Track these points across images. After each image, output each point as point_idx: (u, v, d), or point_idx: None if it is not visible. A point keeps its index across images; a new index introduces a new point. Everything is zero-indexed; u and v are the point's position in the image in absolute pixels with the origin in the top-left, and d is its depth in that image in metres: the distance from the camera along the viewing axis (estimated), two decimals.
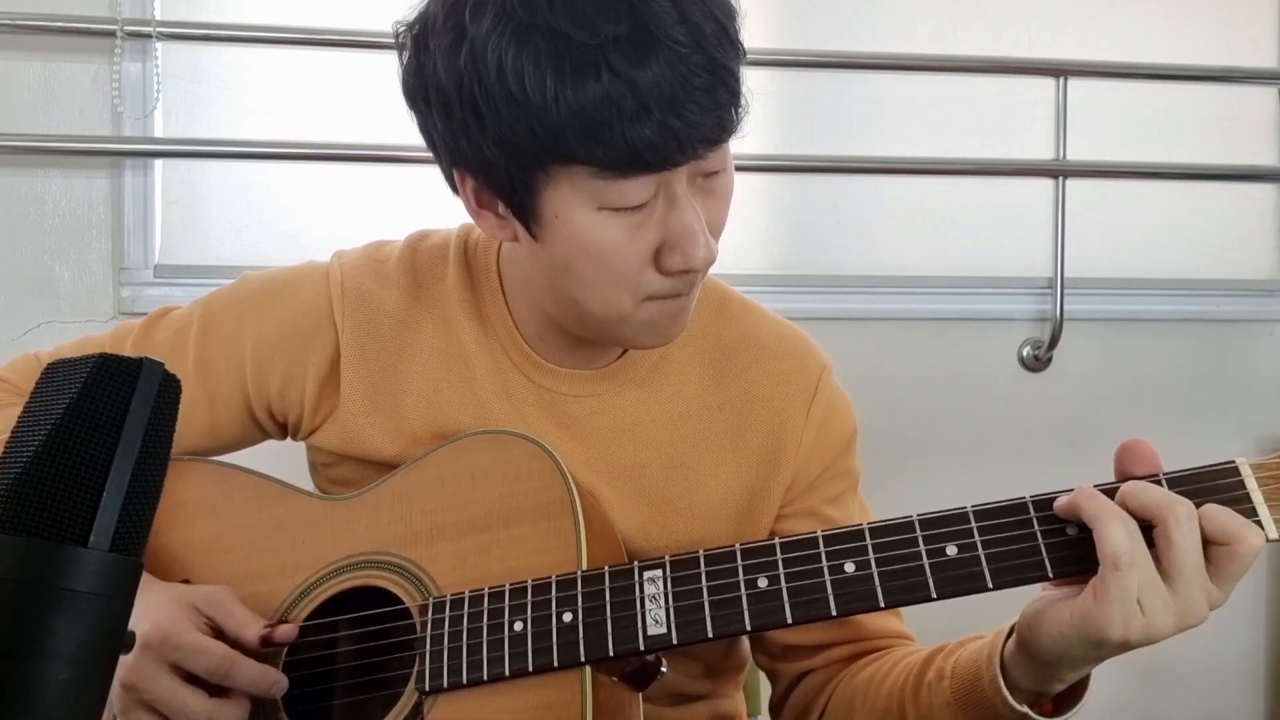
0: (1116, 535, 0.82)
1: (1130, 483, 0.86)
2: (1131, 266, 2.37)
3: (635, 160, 0.89)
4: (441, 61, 0.92)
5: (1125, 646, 0.84)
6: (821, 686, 1.12)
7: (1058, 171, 2.30)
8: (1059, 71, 2.27)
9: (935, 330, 2.30)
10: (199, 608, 1.00)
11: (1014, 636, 0.91)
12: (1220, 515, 0.83)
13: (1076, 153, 2.30)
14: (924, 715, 0.98)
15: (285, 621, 1.03)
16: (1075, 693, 0.92)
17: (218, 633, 1.00)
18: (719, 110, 0.90)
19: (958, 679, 0.96)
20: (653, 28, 0.87)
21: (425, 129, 0.99)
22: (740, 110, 0.92)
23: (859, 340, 2.23)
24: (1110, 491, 0.86)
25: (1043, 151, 2.32)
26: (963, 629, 1.03)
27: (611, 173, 0.90)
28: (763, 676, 1.28)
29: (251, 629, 1.00)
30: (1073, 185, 2.30)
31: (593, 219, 0.93)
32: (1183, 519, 0.82)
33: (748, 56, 0.94)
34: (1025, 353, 2.33)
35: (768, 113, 2.23)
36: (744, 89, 0.92)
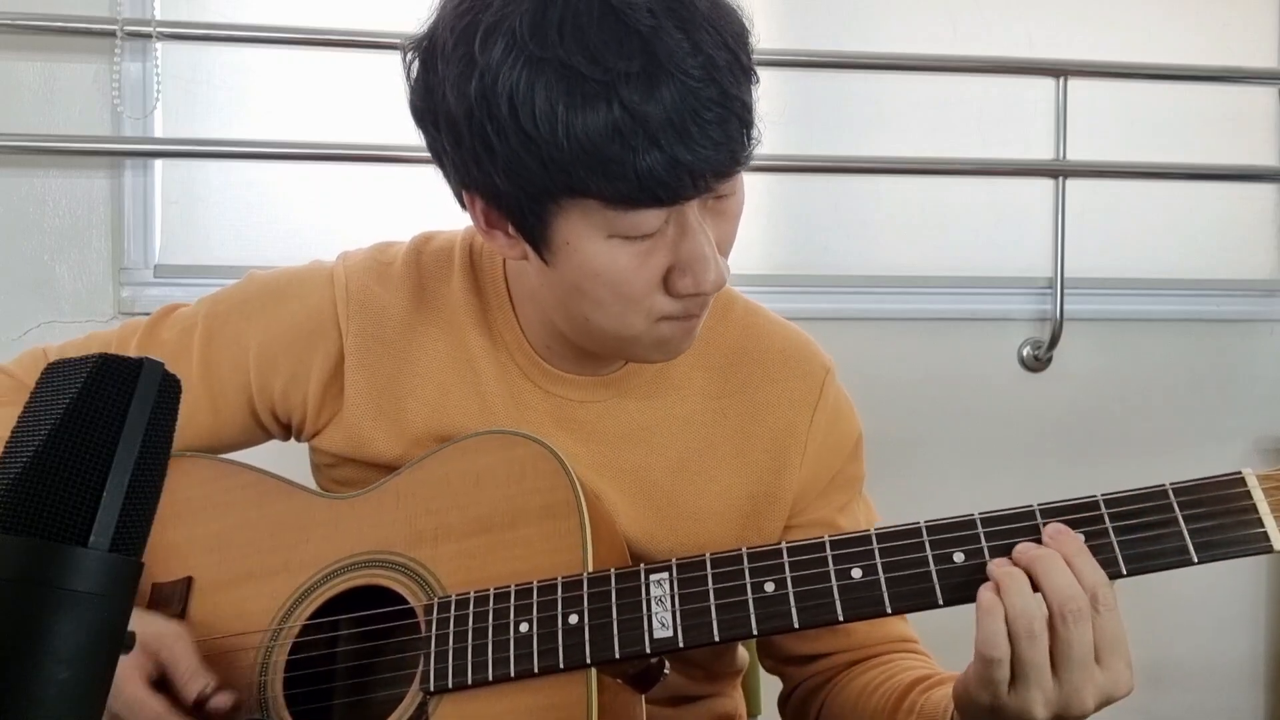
0: (989, 630, 0.84)
1: (1044, 557, 0.85)
2: (1131, 266, 2.38)
3: (646, 194, 0.88)
4: (451, 90, 0.91)
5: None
6: (819, 688, 1.13)
7: (1058, 171, 2.30)
8: (1059, 71, 2.27)
9: (935, 330, 2.30)
10: (149, 649, 0.98)
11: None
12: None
13: (1076, 153, 2.30)
14: None
15: (224, 686, 1.00)
16: None
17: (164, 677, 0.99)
18: (730, 143, 0.89)
19: (924, 718, 0.98)
20: (664, 60, 0.85)
21: (434, 149, 0.99)
22: (751, 140, 0.91)
23: (859, 340, 2.23)
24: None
25: (1043, 151, 2.32)
26: (968, 632, 1.03)
27: (622, 205, 0.89)
28: (763, 677, 1.28)
29: (192, 687, 0.98)
30: (1073, 185, 2.30)
31: (603, 247, 0.93)
32: (1070, 618, 0.83)
33: (758, 85, 0.93)
34: (1025, 353, 2.33)
35: (768, 113, 2.23)
36: (756, 115, 0.91)
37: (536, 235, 0.95)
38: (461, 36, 0.90)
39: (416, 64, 0.96)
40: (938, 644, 1.13)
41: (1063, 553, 0.85)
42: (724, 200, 0.96)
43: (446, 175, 1.00)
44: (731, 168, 0.91)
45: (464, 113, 0.90)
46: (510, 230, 0.98)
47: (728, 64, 0.88)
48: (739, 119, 0.89)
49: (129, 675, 0.96)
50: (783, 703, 1.19)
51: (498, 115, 0.88)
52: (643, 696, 0.97)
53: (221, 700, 0.99)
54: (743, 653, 1.24)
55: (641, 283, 0.94)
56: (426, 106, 0.96)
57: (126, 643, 0.63)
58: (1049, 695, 0.84)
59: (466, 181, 0.96)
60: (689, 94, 0.86)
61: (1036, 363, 2.33)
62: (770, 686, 1.26)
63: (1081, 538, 0.86)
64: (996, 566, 0.86)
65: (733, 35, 0.90)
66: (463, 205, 1.02)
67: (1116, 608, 0.84)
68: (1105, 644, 0.84)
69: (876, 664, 1.09)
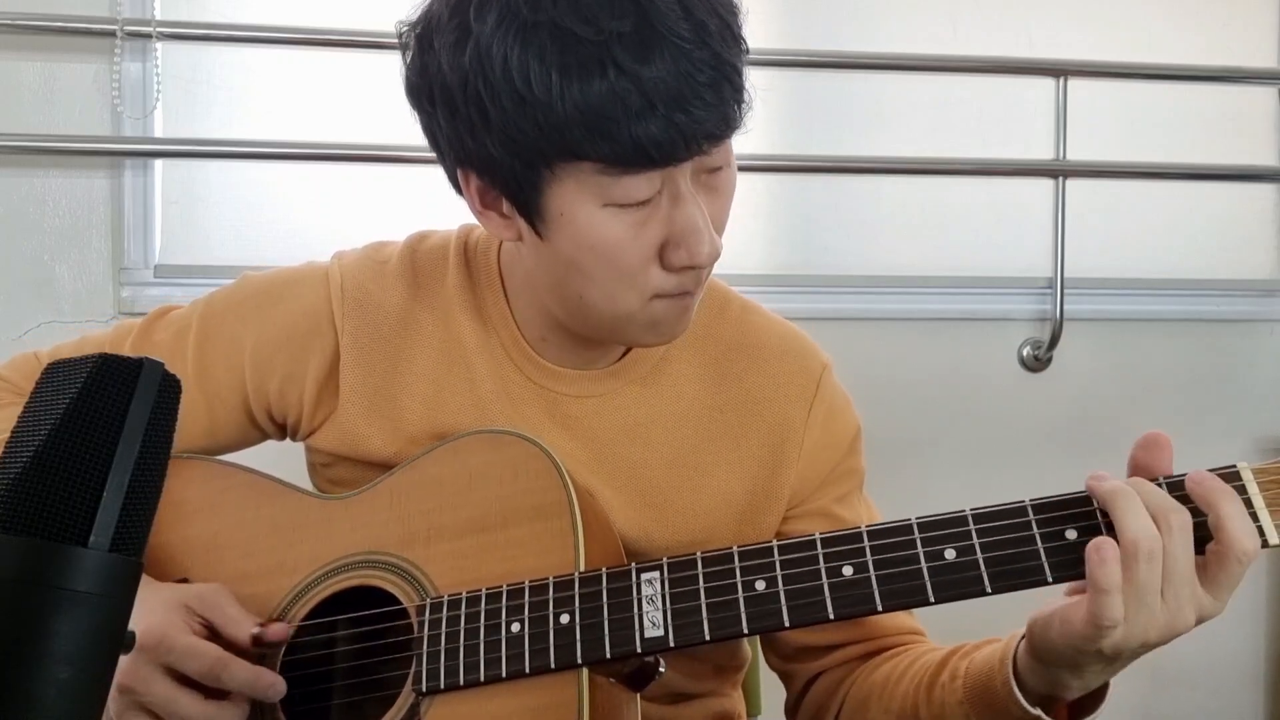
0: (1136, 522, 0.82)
1: (1134, 479, 0.86)
2: (1131, 266, 2.38)
3: (641, 156, 0.89)
4: (446, 60, 0.92)
5: (1112, 654, 0.84)
6: (836, 686, 1.11)
7: (1058, 171, 2.30)
8: (1059, 71, 2.27)
9: (935, 330, 2.30)
10: (192, 607, 1.00)
11: (1026, 639, 0.91)
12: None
13: (1076, 153, 2.30)
14: (936, 714, 0.98)
15: (274, 619, 1.03)
16: (1092, 701, 0.92)
17: (213, 632, 1.00)
18: (724, 106, 0.90)
19: (970, 678, 0.96)
20: (657, 24, 0.87)
21: (429, 128, 0.99)
22: (744, 106, 0.93)
23: (859, 340, 2.23)
24: None
25: (1043, 151, 2.32)
26: (966, 626, 1.03)
27: (617, 169, 0.90)
28: (763, 676, 1.28)
29: (244, 627, 1.00)
30: (1073, 185, 2.30)
31: (598, 216, 0.93)
32: (1175, 527, 0.82)
33: (748, 55, 0.94)
34: (1025, 353, 2.33)
35: (768, 113, 2.23)
36: (747, 84, 0.93)
37: (531, 208, 0.95)
38: (456, 8, 0.92)
39: (413, 45, 0.98)
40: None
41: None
42: (716, 175, 0.97)
43: (441, 156, 1.01)
44: (724, 131, 0.92)
45: (459, 81, 0.91)
46: (505, 209, 0.98)
47: (719, 30, 0.90)
48: (730, 83, 0.90)
49: (176, 628, 0.97)
50: (793, 708, 1.17)
51: (492, 80, 0.89)
52: (637, 695, 0.97)
53: (277, 631, 1.01)
54: (745, 647, 1.23)
55: (636, 254, 0.95)
56: (421, 83, 0.97)
57: (126, 642, 0.62)
58: (1157, 611, 0.82)
59: (461, 156, 0.97)
60: (682, 56, 0.87)
61: (1036, 363, 2.33)
62: (770, 687, 1.26)
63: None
64: (1099, 482, 0.85)
65: (723, 4, 0.92)
66: (458, 189, 1.02)
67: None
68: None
69: (896, 654, 1.09)
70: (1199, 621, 0.84)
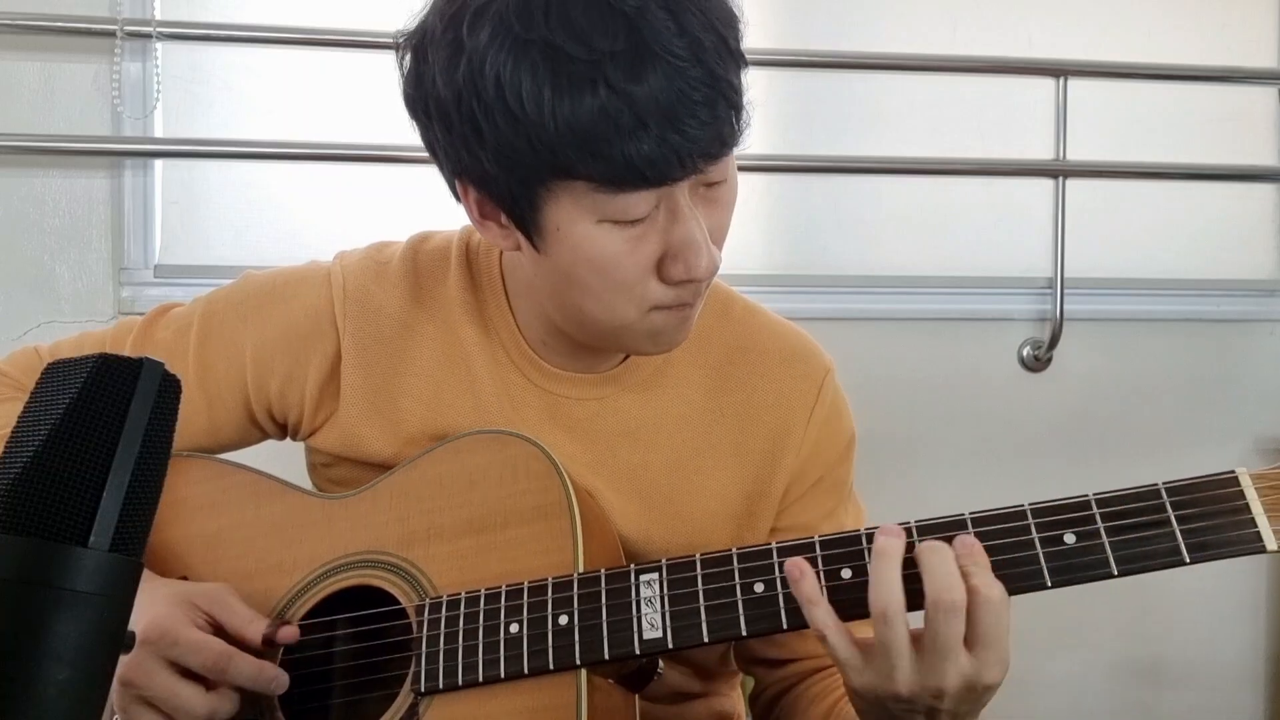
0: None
1: (928, 548, 0.86)
2: (1131, 266, 2.38)
3: (633, 175, 0.88)
4: (440, 75, 0.92)
5: (866, 693, 0.88)
6: (781, 695, 1.14)
7: (1058, 171, 2.30)
8: (1059, 71, 2.27)
9: (935, 330, 2.30)
10: (198, 604, 1.00)
11: None
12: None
13: (1076, 153, 2.30)
14: None
15: (284, 621, 1.03)
16: None
17: (218, 630, 1.00)
18: (718, 124, 0.88)
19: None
20: (650, 41, 0.86)
21: (427, 139, 0.99)
22: (741, 123, 0.91)
23: (859, 340, 2.23)
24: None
25: (1043, 151, 2.32)
26: None
27: (611, 187, 0.89)
28: None
29: (255, 627, 1.00)
30: (1073, 185, 2.30)
31: (593, 231, 0.92)
32: (943, 610, 0.83)
33: (747, 58, 0.93)
34: (1025, 353, 2.33)
35: (768, 113, 2.23)
36: (745, 100, 0.91)
37: (528, 222, 0.95)
38: (450, 22, 0.91)
39: (409, 56, 0.97)
40: None
41: (960, 554, 0.86)
42: (716, 188, 0.95)
43: (440, 167, 1.00)
44: (719, 150, 0.90)
45: (453, 97, 0.91)
46: (503, 220, 0.98)
47: (714, 46, 0.88)
48: (726, 101, 0.89)
49: (180, 622, 0.97)
50: (753, 701, 1.20)
51: (485, 98, 0.88)
52: (635, 697, 0.98)
53: (287, 633, 1.01)
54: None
55: (633, 268, 0.94)
56: (418, 95, 0.96)
57: (126, 642, 0.63)
58: (908, 675, 0.85)
59: (458, 169, 0.97)
60: (675, 74, 0.86)
61: (1036, 363, 2.33)
62: None
63: (984, 556, 0.86)
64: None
65: (720, 19, 0.90)
66: (457, 198, 1.02)
67: (1002, 608, 0.85)
68: (977, 638, 0.85)
69: (833, 672, 1.09)
70: (968, 687, 0.85)
